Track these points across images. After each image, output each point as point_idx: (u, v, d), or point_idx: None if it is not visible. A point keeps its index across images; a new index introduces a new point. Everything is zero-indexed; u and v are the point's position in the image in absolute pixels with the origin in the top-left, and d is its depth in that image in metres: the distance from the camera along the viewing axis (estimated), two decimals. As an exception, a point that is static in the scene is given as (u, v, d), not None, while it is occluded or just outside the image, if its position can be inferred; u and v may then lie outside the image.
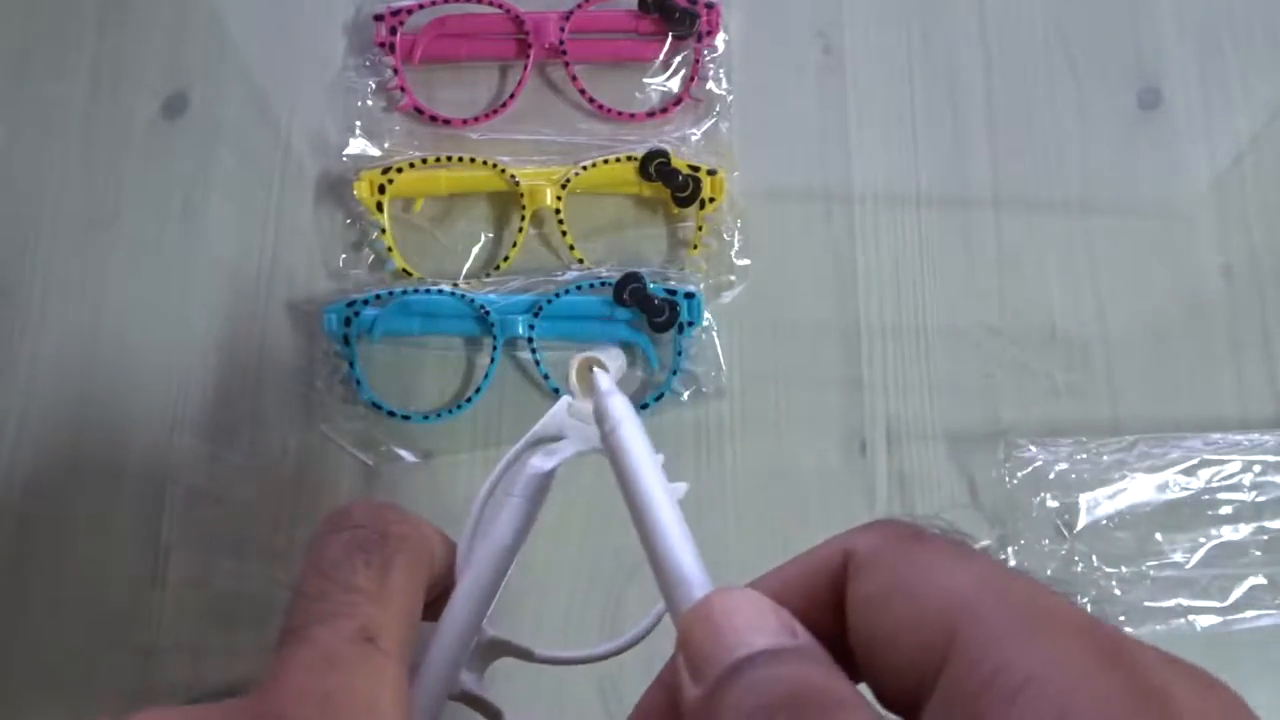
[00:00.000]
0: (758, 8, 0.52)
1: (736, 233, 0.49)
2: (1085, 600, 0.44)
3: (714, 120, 0.50)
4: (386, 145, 0.50)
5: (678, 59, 0.51)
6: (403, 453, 0.46)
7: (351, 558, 0.23)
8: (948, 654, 0.18)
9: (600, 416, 0.24)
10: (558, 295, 0.46)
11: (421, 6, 0.51)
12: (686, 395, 0.47)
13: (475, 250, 0.49)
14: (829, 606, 0.20)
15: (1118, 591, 0.44)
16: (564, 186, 0.48)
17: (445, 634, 0.25)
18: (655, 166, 0.48)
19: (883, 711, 0.19)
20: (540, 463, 0.25)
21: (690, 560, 0.21)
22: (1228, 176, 0.50)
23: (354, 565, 0.23)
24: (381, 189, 0.48)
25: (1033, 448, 0.45)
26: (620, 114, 0.51)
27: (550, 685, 0.43)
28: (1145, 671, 0.16)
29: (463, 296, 0.46)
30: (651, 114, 0.51)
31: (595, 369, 0.25)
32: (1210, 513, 0.45)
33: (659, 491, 0.23)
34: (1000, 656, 0.17)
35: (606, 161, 0.49)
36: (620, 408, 0.24)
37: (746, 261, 0.49)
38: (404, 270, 0.48)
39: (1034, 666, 0.16)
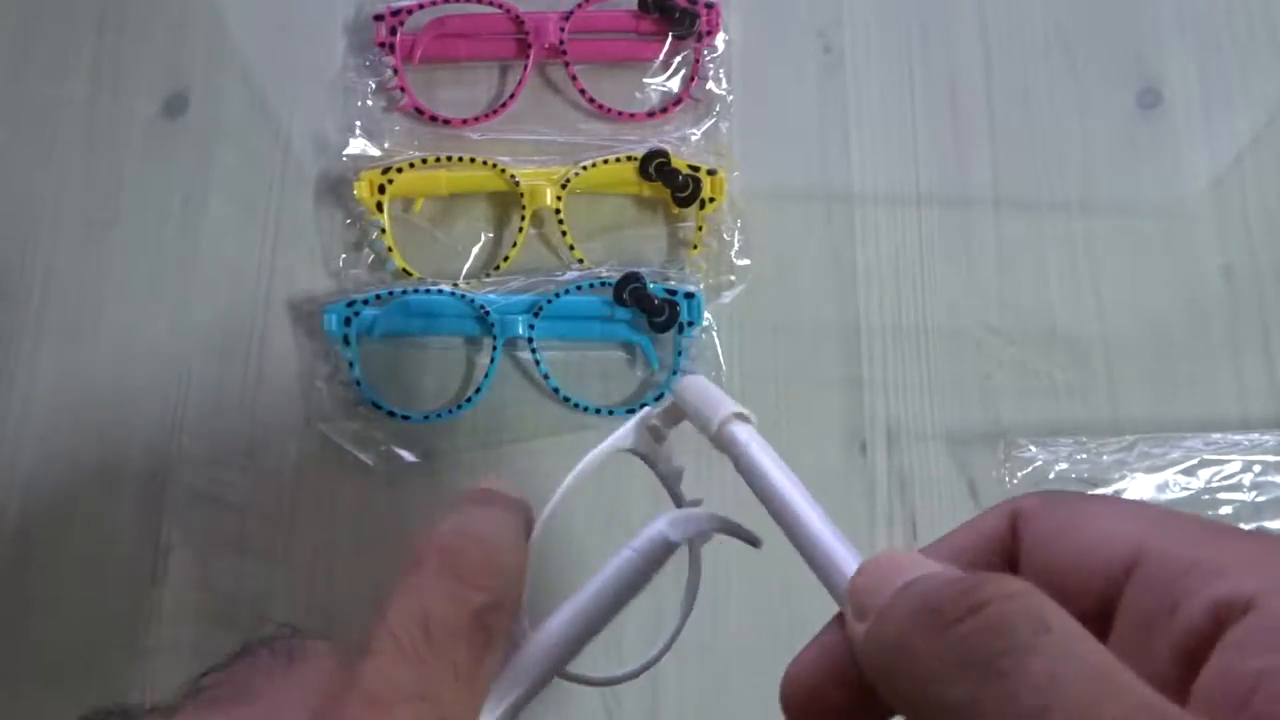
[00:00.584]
0: (758, 8, 0.52)
1: (736, 233, 0.49)
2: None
3: (714, 120, 0.50)
4: (386, 145, 0.50)
5: (678, 59, 0.51)
6: (403, 453, 0.46)
7: (459, 631, 0.20)
8: (1134, 566, 0.18)
9: (729, 440, 0.25)
10: (558, 295, 0.46)
11: (421, 6, 0.51)
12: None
13: (475, 250, 0.49)
14: (999, 569, 0.21)
15: (1118, 591, 0.44)
16: (564, 186, 0.48)
17: (518, 685, 0.22)
18: (655, 166, 0.48)
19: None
20: (670, 532, 0.24)
21: (844, 545, 0.22)
22: (1228, 176, 0.50)
23: (459, 641, 0.20)
24: (381, 189, 0.48)
25: (1033, 448, 0.45)
26: (620, 114, 0.50)
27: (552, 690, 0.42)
28: None
29: (463, 296, 0.46)
30: (651, 114, 0.51)
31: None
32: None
33: (799, 498, 0.23)
34: (1191, 555, 0.17)
35: (606, 161, 0.49)
36: (748, 432, 0.25)
37: (746, 261, 0.49)
38: (404, 270, 0.48)
39: (1225, 561, 0.17)
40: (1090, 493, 0.22)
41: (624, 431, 0.27)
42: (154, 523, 0.46)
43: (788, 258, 0.49)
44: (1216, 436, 0.46)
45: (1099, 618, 0.19)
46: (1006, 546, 0.21)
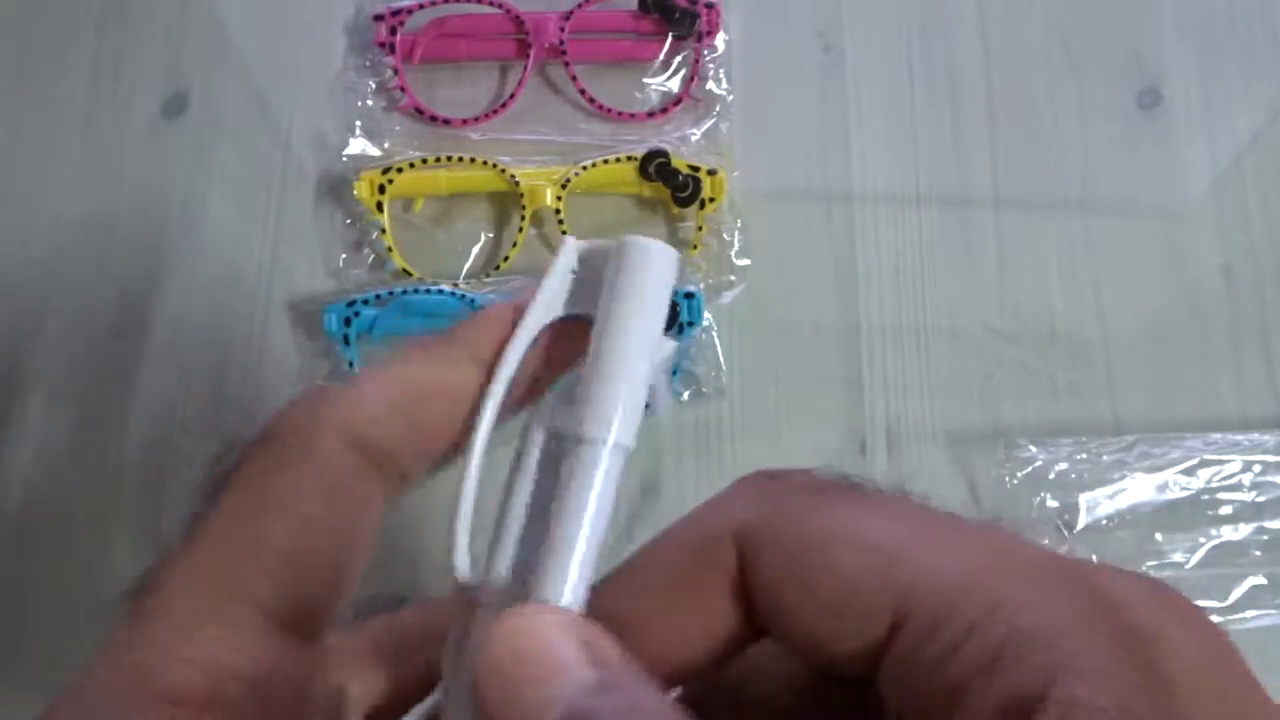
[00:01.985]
0: (758, 8, 0.52)
1: (736, 233, 0.49)
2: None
3: (714, 120, 0.50)
4: (386, 145, 0.50)
5: (678, 59, 0.51)
6: (403, 453, 0.46)
7: None
8: (895, 618, 0.15)
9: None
10: (558, 295, 0.46)
11: (421, 6, 0.51)
12: (686, 395, 0.47)
13: (475, 250, 0.49)
14: (721, 592, 0.17)
15: (1118, 591, 0.44)
16: (564, 186, 0.48)
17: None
18: (655, 166, 0.48)
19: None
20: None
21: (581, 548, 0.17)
22: (1228, 176, 0.50)
23: None
24: (381, 189, 0.48)
25: (1033, 448, 0.45)
26: (620, 114, 0.50)
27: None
28: (1126, 611, 0.15)
29: (463, 296, 0.46)
30: (651, 114, 0.51)
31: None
32: (1210, 513, 0.45)
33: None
34: (965, 614, 0.14)
35: (606, 161, 0.49)
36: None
37: (746, 261, 0.49)
38: (404, 270, 0.48)
39: (1007, 618, 0.14)
40: (825, 484, 0.17)
41: (545, 296, 0.21)
42: (154, 523, 0.46)
43: (788, 258, 0.49)
44: (1216, 436, 0.46)
45: (862, 664, 0.16)
46: (726, 567, 0.17)
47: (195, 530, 0.18)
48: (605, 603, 0.17)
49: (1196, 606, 0.15)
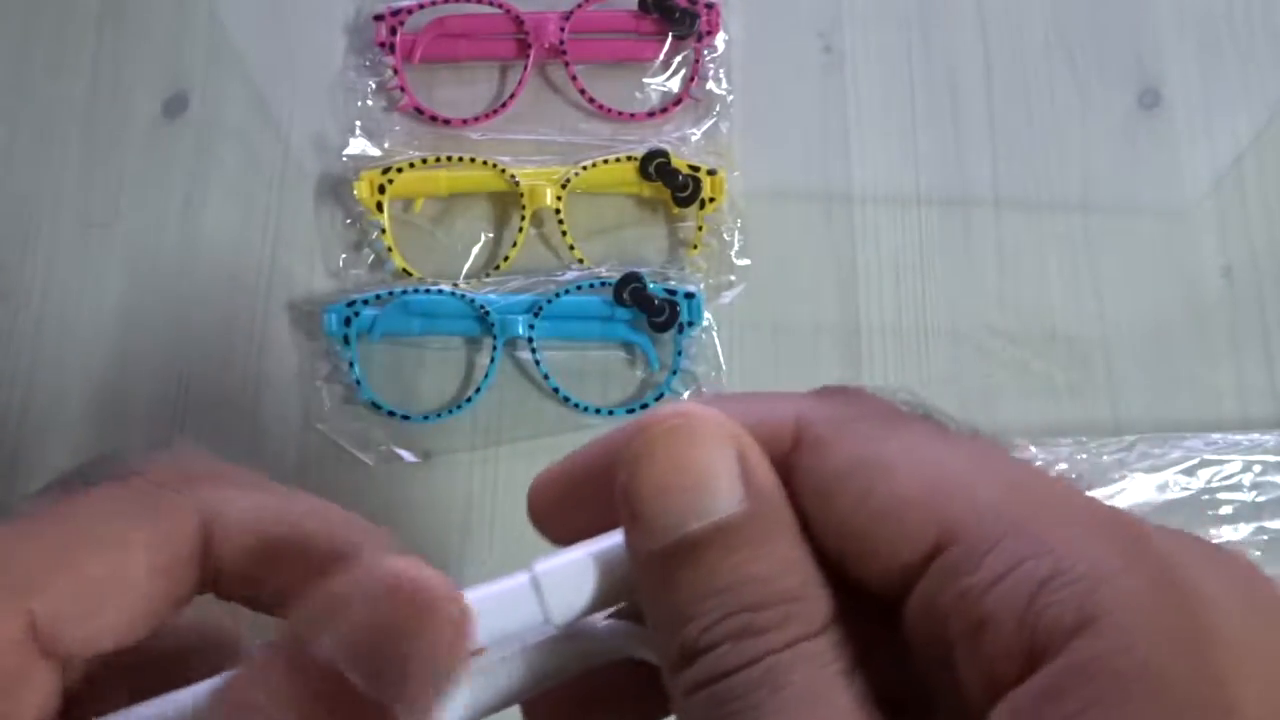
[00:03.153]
0: (758, 8, 0.52)
1: (736, 233, 0.49)
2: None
3: (714, 120, 0.50)
4: (386, 145, 0.50)
5: (678, 59, 0.51)
6: (402, 453, 0.46)
7: None
8: (938, 543, 0.15)
9: None
10: (558, 295, 0.46)
11: (421, 6, 0.51)
12: (686, 395, 0.47)
13: (475, 250, 0.49)
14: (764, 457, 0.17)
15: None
16: (564, 186, 0.48)
17: None
18: (655, 166, 0.48)
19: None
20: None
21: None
22: (1228, 176, 0.50)
23: None
24: (381, 189, 0.48)
25: (1033, 448, 0.45)
26: (620, 114, 0.50)
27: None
28: (1172, 566, 0.14)
29: (463, 296, 0.46)
30: (651, 114, 0.51)
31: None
32: (1210, 513, 0.45)
33: None
34: (1012, 548, 0.14)
35: (606, 161, 0.49)
36: None
37: (746, 261, 0.49)
38: (404, 270, 0.48)
39: (1052, 559, 0.14)
40: (902, 412, 0.18)
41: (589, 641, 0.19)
42: (154, 523, 0.46)
43: (788, 258, 0.49)
44: (1216, 436, 0.46)
45: (886, 608, 0.16)
46: (777, 451, 0.17)
47: None
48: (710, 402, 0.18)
49: (1260, 573, 0.15)
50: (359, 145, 0.50)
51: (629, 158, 0.49)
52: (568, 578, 0.17)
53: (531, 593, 0.17)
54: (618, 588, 0.18)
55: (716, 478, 0.16)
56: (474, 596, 0.17)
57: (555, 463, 0.20)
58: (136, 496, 0.19)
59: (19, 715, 0.17)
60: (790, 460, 0.17)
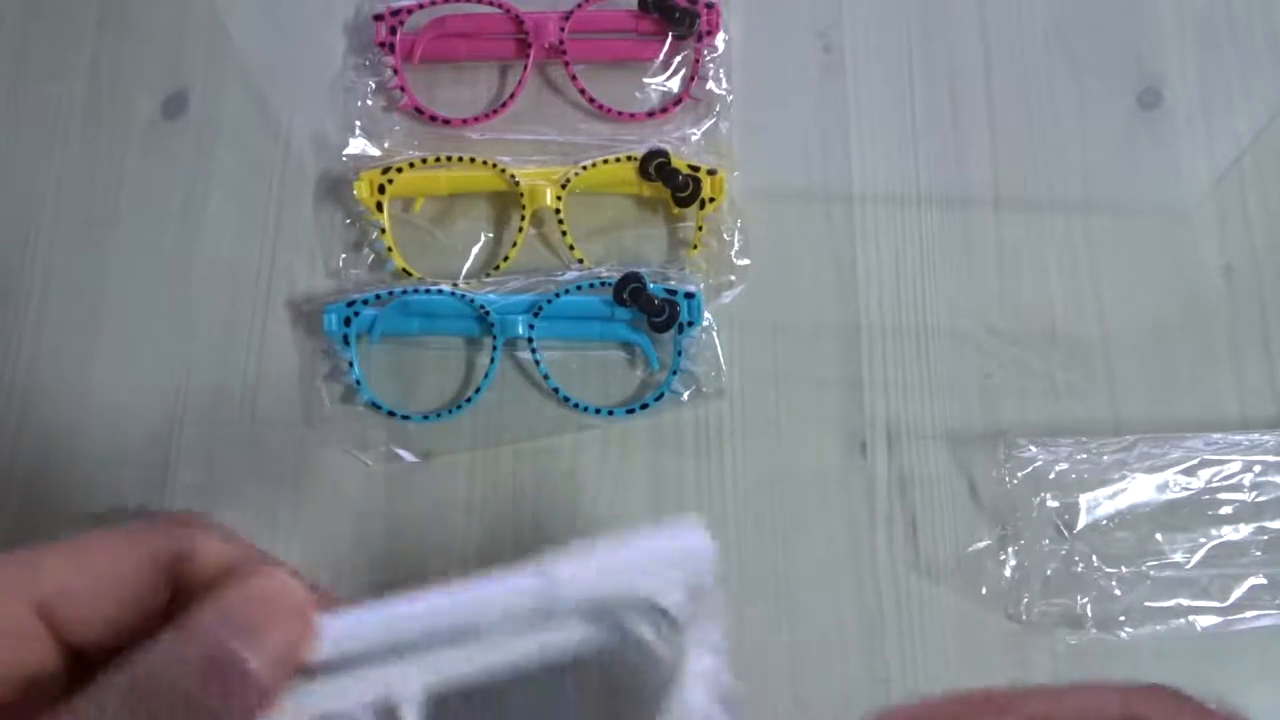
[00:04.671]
0: (758, 8, 0.52)
1: (736, 233, 0.49)
2: (1085, 600, 0.43)
3: (714, 120, 0.50)
4: (386, 145, 0.50)
5: (678, 59, 0.51)
6: (402, 453, 0.46)
7: None
8: None
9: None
10: (558, 295, 0.46)
11: (421, 6, 0.51)
12: (686, 395, 0.47)
13: (475, 250, 0.49)
14: None
15: (1118, 592, 0.44)
16: (564, 186, 0.48)
17: None
18: (655, 166, 0.48)
19: None
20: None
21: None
22: (1228, 176, 0.50)
23: None
24: (381, 189, 0.48)
25: (1033, 448, 0.45)
26: (620, 114, 0.51)
27: None
28: None
29: (463, 296, 0.46)
30: (651, 114, 0.51)
31: None
32: (1210, 513, 0.45)
33: None
34: None
35: (606, 161, 0.49)
36: None
37: (746, 261, 0.49)
38: (404, 270, 0.48)
39: None
40: None
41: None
42: (154, 522, 0.46)
43: (788, 258, 0.49)
44: (1216, 436, 0.46)
45: None
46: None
47: None
48: None
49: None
50: (359, 145, 0.50)
51: (629, 158, 0.49)
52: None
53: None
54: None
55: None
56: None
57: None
58: (132, 527, 0.23)
59: (28, 664, 0.20)
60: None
